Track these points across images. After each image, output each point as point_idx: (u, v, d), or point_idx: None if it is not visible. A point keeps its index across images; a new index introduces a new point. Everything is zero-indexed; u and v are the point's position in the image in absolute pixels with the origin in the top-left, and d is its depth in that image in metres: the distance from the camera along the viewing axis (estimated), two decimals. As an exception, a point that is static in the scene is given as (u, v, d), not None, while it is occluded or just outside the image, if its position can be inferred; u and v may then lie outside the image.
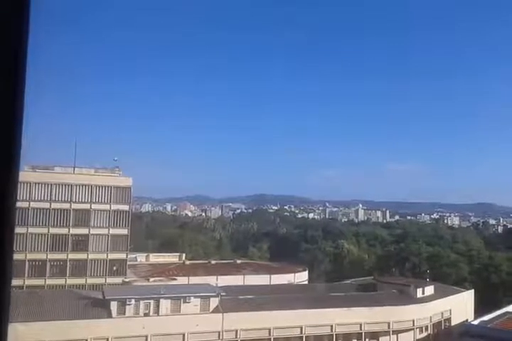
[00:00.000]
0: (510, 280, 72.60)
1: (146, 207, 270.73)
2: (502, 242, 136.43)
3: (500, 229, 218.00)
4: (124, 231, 54.02)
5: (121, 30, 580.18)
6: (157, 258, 65.24)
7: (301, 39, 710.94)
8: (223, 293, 39.13)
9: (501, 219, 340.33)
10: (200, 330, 36.51)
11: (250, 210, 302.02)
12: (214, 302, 38.07)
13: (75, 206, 52.38)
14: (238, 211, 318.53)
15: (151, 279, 50.07)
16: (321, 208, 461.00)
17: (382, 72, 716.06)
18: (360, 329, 41.57)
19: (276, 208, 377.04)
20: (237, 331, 37.38)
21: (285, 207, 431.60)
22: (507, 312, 44.94)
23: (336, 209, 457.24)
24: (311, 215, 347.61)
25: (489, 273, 76.12)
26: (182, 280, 50.34)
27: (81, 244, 52.65)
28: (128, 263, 54.75)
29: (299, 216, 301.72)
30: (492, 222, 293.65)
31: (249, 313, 38.56)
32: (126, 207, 54.91)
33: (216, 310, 37.75)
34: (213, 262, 65.30)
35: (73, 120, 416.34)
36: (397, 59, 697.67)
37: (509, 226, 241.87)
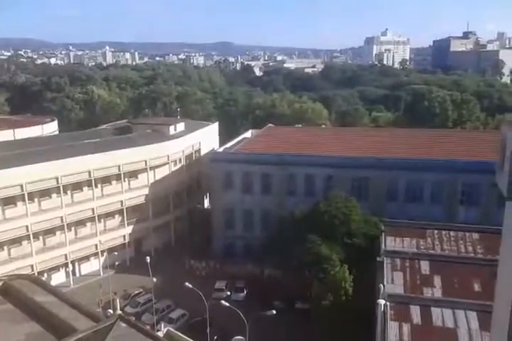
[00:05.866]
0: (247, 111, 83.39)
1: None
2: (240, 78, 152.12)
3: (238, 66, 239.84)
4: None
5: None
6: None
7: None
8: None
9: (239, 57, 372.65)
10: None
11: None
12: None
13: None
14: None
15: None
16: (63, 52, 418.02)
17: None
18: (119, 171, 43.00)
19: (9, 54, 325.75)
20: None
21: (20, 51, 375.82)
22: (244, 138, 52.58)
23: (81, 52, 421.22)
24: (52, 60, 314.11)
25: (230, 107, 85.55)
26: None
27: None
28: None
29: (39, 61, 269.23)
30: (231, 59, 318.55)
31: (-6, 172, 35.05)
32: None
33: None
34: None
35: None
36: None
37: (245, 63, 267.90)
